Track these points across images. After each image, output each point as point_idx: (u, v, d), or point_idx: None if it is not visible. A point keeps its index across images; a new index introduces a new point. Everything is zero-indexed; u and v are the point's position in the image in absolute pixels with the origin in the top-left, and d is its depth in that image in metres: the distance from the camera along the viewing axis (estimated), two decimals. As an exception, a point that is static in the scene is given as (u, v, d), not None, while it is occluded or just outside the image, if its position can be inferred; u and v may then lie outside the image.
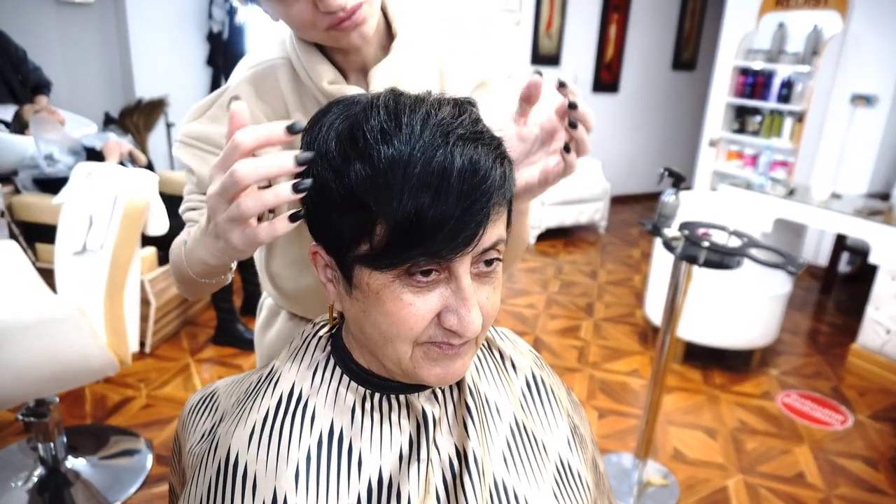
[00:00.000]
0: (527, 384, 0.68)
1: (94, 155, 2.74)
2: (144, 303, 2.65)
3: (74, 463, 2.01)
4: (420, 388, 0.59)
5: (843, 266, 4.22)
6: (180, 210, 0.84)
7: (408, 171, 0.45)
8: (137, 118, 3.80)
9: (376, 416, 0.57)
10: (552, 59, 5.38)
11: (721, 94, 4.74)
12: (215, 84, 4.22)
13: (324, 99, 0.77)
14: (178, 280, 0.78)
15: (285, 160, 0.48)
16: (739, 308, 2.80)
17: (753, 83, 4.59)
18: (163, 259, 2.82)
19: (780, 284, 2.85)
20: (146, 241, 2.67)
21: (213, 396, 0.66)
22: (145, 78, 4.06)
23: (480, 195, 0.47)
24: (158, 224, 1.87)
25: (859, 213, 3.07)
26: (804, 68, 4.23)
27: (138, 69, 4.04)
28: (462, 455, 0.57)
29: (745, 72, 4.64)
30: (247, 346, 2.84)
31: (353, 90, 0.77)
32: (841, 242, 3.93)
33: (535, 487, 0.60)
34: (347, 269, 0.51)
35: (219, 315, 2.88)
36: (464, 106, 0.51)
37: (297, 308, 0.95)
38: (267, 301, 1.03)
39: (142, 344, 2.74)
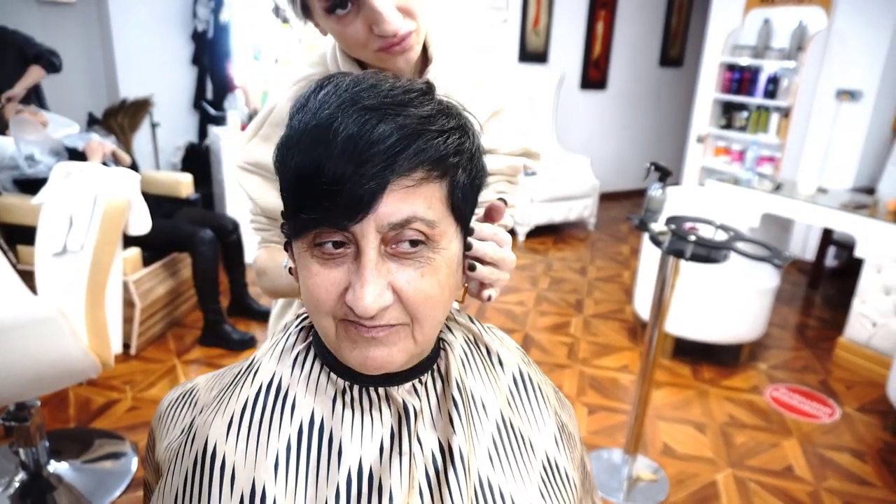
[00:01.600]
0: (514, 381, 0.67)
1: (77, 155, 2.70)
2: (129, 304, 2.62)
3: (57, 467, 1.98)
4: (398, 380, 0.57)
5: (831, 260, 4.25)
6: (252, 228, 0.94)
7: (303, 137, 0.47)
8: (122, 118, 3.76)
9: (356, 408, 0.56)
10: (540, 57, 5.38)
11: (708, 90, 4.76)
12: (200, 83, 4.19)
13: None
14: (271, 285, 0.88)
15: None
16: (728, 303, 2.81)
17: (740, 79, 4.61)
18: (148, 260, 2.79)
19: (767, 279, 2.86)
20: (131, 241, 2.64)
21: (192, 391, 0.65)
22: (129, 78, 4.02)
23: (369, 158, 0.44)
24: (140, 224, 1.84)
25: (845, 207, 3.09)
26: (790, 64, 4.25)
27: (122, 69, 4.00)
28: (447, 450, 0.56)
29: (731, 68, 4.66)
30: (235, 346, 2.81)
31: None
32: (828, 237, 3.95)
33: (521, 486, 0.59)
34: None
35: (206, 316, 2.86)
36: (392, 84, 0.49)
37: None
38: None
39: (127, 346, 2.71)
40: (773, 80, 4.40)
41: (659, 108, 6.39)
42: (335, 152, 0.45)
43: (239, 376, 0.59)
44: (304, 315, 0.63)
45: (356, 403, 0.56)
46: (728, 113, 4.79)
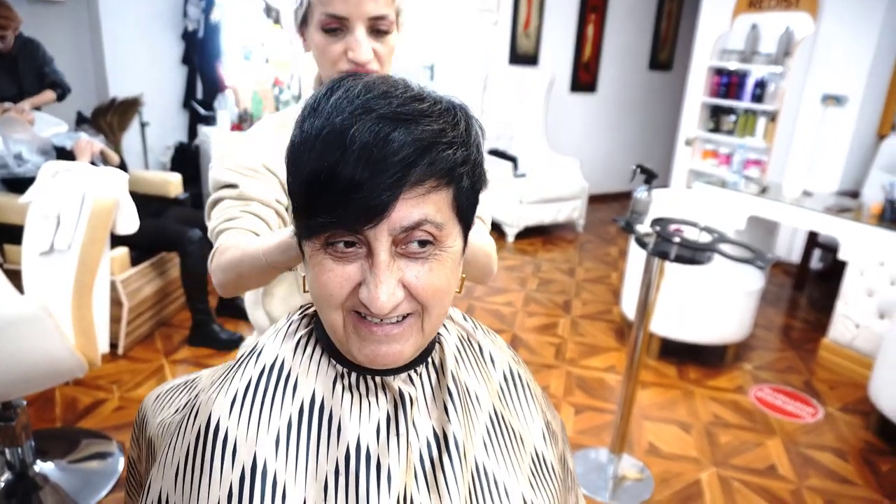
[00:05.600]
0: (504, 378, 0.69)
1: (65, 154, 2.69)
2: (117, 304, 2.61)
3: (43, 467, 1.97)
4: (395, 369, 0.59)
5: (816, 263, 4.30)
6: (213, 226, 0.92)
7: (316, 144, 0.48)
8: (111, 118, 3.74)
9: (355, 392, 0.58)
10: (530, 59, 5.41)
11: (696, 93, 4.81)
12: (191, 83, 4.18)
13: None
14: (235, 270, 0.85)
15: None
16: (714, 304, 2.84)
17: (728, 83, 4.66)
18: (136, 259, 2.78)
19: (753, 281, 2.89)
20: (119, 241, 2.64)
21: (195, 380, 0.67)
22: (119, 77, 4.00)
23: (386, 167, 0.46)
24: (128, 223, 1.84)
25: (829, 210, 3.13)
26: (777, 69, 4.30)
27: (112, 68, 3.98)
28: (442, 437, 0.58)
29: (719, 72, 4.70)
30: (223, 346, 2.81)
31: None
32: (813, 239, 4.00)
33: (513, 475, 0.62)
34: (298, 239, 0.56)
35: (194, 316, 2.85)
36: (424, 93, 0.51)
37: None
38: (248, 341, 1.16)
39: (114, 345, 2.70)
40: (761, 85, 4.45)
41: (648, 112, 6.43)
42: (351, 159, 0.46)
43: (242, 359, 0.61)
44: (308, 304, 0.66)
45: (354, 389, 0.58)
46: (716, 116, 4.83)
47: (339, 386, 0.58)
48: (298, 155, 0.50)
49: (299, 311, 0.65)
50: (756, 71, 4.47)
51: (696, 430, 2.46)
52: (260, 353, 0.60)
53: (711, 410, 2.60)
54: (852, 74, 3.90)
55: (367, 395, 0.58)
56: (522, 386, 0.70)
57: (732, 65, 4.57)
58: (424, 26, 4.91)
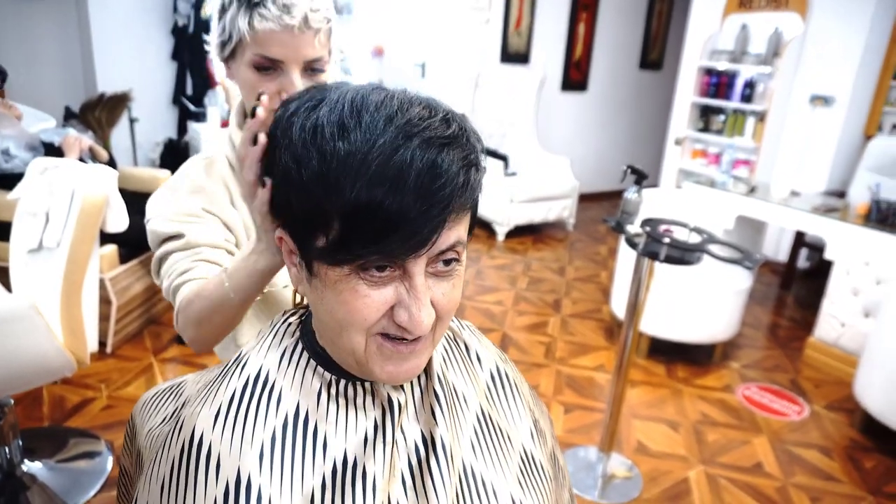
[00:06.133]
0: (491, 377, 0.69)
1: (53, 151, 2.67)
2: (105, 302, 2.59)
3: (31, 466, 1.96)
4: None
5: (802, 262, 4.34)
6: (167, 285, 0.89)
7: (361, 169, 0.46)
8: (100, 113, 3.71)
9: (341, 401, 0.58)
10: (522, 58, 5.41)
11: (686, 93, 4.83)
12: (181, 79, 4.15)
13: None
14: (202, 319, 0.83)
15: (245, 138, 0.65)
16: (702, 303, 2.86)
17: (717, 83, 4.69)
18: (125, 257, 2.76)
19: (741, 280, 2.92)
20: (108, 238, 2.62)
21: (180, 385, 0.66)
22: (108, 72, 3.97)
23: (439, 199, 0.46)
24: (118, 221, 1.83)
25: (816, 210, 3.16)
26: (766, 69, 4.33)
27: (100, 63, 3.94)
28: (429, 441, 0.58)
29: (709, 72, 4.73)
30: (212, 344, 2.80)
31: None
32: (800, 239, 4.04)
33: (501, 475, 0.62)
34: (308, 258, 0.53)
35: (183, 314, 2.84)
36: (436, 108, 0.51)
37: None
38: None
39: (103, 344, 2.69)
40: (750, 85, 4.49)
41: (638, 111, 6.46)
42: (407, 190, 0.45)
43: (227, 369, 0.61)
44: (291, 312, 0.65)
45: (341, 397, 0.58)
46: (705, 116, 4.87)
47: (324, 396, 0.57)
48: (332, 180, 0.47)
49: (282, 319, 0.64)
50: (745, 71, 4.50)
51: (684, 428, 2.48)
52: (244, 364, 0.59)
53: (699, 409, 2.63)
54: (840, 75, 3.94)
55: (355, 401, 0.58)
56: (510, 385, 0.71)
57: (722, 65, 4.60)
58: (416, 24, 4.91)
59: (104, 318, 2.59)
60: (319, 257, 0.50)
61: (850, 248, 2.92)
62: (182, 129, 4.22)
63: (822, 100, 4.02)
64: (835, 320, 2.99)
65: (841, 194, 3.91)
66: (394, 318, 0.51)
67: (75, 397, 2.39)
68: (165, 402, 0.65)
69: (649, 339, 3.01)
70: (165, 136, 4.22)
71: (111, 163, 2.86)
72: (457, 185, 0.48)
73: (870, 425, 2.49)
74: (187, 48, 4.07)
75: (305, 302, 0.66)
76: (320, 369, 0.58)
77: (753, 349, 3.24)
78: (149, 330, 2.95)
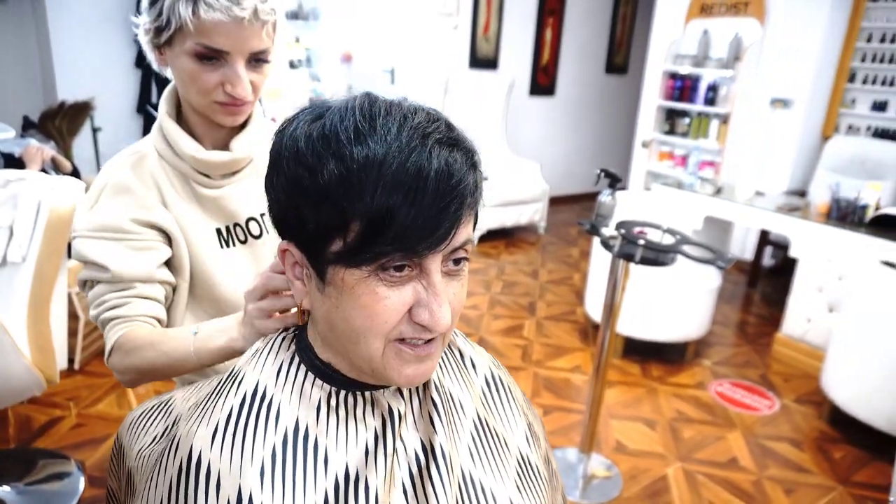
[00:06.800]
0: (486, 383, 0.70)
1: (14, 162, 2.58)
2: (73, 317, 2.51)
3: (-2, 490, 1.89)
4: (385, 385, 0.59)
5: (767, 260, 4.47)
6: (94, 314, 0.86)
7: (382, 170, 0.47)
8: (60, 122, 3.60)
9: (341, 412, 0.57)
10: (490, 63, 5.45)
11: (652, 97, 4.93)
12: (145, 87, 4.06)
13: (190, 169, 0.92)
14: (155, 370, 0.81)
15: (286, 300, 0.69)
16: (675, 303, 2.92)
17: (682, 87, 4.79)
18: (92, 270, 2.68)
19: (711, 279, 2.99)
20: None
21: (168, 402, 0.65)
22: (68, 80, 3.86)
23: (455, 197, 0.48)
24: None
25: (780, 209, 3.26)
26: (728, 73, 4.45)
27: (60, 70, 3.84)
28: (429, 449, 0.58)
29: (673, 76, 4.84)
30: (185, 357, 2.74)
31: (223, 155, 0.92)
32: (765, 237, 4.16)
33: (499, 481, 0.62)
34: (321, 266, 0.52)
35: (154, 327, 2.77)
36: (437, 114, 0.53)
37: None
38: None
39: (71, 360, 2.60)
40: (713, 88, 4.60)
41: (605, 114, 6.57)
42: (428, 190, 0.47)
43: (222, 385, 0.60)
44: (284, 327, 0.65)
45: (341, 408, 0.57)
46: (671, 119, 4.97)
47: (323, 409, 0.57)
48: (354, 182, 0.47)
49: (276, 335, 0.63)
50: (708, 75, 4.61)
51: (660, 426, 2.53)
52: (240, 380, 0.58)
53: (674, 406, 2.67)
54: (798, 78, 4.07)
55: (355, 411, 0.58)
56: (504, 390, 0.71)
57: (685, 69, 4.71)
58: (384, 30, 4.90)
59: (72, 333, 2.51)
60: (336, 261, 0.51)
61: (813, 245, 3.01)
62: (147, 138, 4.13)
63: (781, 102, 4.15)
64: (801, 316, 3.08)
65: (802, 193, 4.04)
66: (413, 318, 0.52)
67: (43, 417, 2.31)
68: (154, 420, 0.64)
69: (624, 340, 3.05)
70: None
71: (75, 173, 2.78)
72: (468, 183, 0.50)
73: (837, 417, 2.57)
74: (151, 55, 3.99)
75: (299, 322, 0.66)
76: (319, 381, 0.58)
77: (724, 346, 3.31)
78: (118, 344, 2.87)
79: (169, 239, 0.90)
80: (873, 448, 2.41)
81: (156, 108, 3.40)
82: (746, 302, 4.04)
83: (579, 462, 2.19)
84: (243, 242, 0.97)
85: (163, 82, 4.04)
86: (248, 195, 0.96)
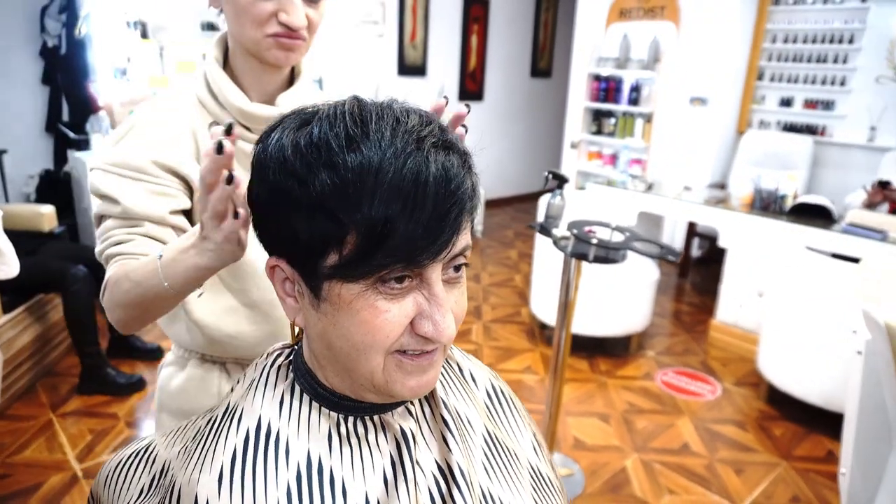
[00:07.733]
0: (488, 396, 0.69)
1: None
2: (-11, 357, 2.30)
3: (-84, 557, 1.69)
4: (392, 405, 0.57)
5: (696, 251, 4.69)
6: (99, 249, 0.80)
7: (379, 178, 0.44)
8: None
9: (353, 440, 0.54)
10: (418, 70, 5.46)
11: (578, 98, 5.07)
12: (55, 104, 3.79)
13: (232, 119, 0.84)
14: (132, 303, 0.75)
15: (210, 150, 0.56)
16: (618, 298, 3.00)
17: (606, 88, 4.96)
18: (8, 305, 2.47)
19: (650, 272, 3.09)
20: (-14, 285, 2.33)
21: (148, 449, 0.59)
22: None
23: (455, 203, 0.46)
24: (7, 267, 1.63)
25: (708, 202, 3.42)
26: (649, 74, 4.64)
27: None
28: (447, 470, 0.56)
29: (598, 78, 4.99)
30: (121, 391, 2.57)
31: (270, 109, 0.85)
32: (692, 229, 4.36)
33: (517, 495, 0.61)
34: (315, 282, 0.49)
35: (83, 360, 2.58)
36: (429, 116, 0.51)
37: (225, 351, 0.93)
38: (168, 358, 1.01)
39: (-11, 404, 2.38)
40: (636, 89, 4.78)
41: (533, 117, 6.71)
42: (428, 196, 0.45)
43: (218, 425, 0.55)
44: (274, 352, 0.60)
45: (352, 436, 0.54)
46: (597, 119, 5.13)
47: (335, 439, 0.54)
48: (349, 192, 0.44)
49: (267, 359, 0.59)
50: (630, 76, 4.79)
51: (614, 419, 2.58)
52: (240, 416, 0.54)
53: (625, 399, 2.75)
54: (712, 78, 4.30)
55: (367, 437, 0.55)
56: (506, 401, 0.70)
57: (608, 71, 4.87)
58: (313, 58, 4.80)
59: (-11, 375, 2.30)
60: (332, 276, 0.47)
61: (740, 234, 3.18)
62: (61, 159, 3.85)
63: (699, 101, 4.37)
64: (733, 302, 3.24)
65: (722, 186, 4.26)
66: (416, 330, 0.50)
67: (-39, 469, 2.10)
68: (136, 471, 0.58)
69: (570, 337, 3.10)
70: (41, 168, 3.84)
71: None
72: (467, 187, 0.48)
73: (774, 396, 2.72)
74: (61, 70, 3.73)
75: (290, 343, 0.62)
76: (325, 409, 0.55)
77: (664, 336, 3.44)
78: (43, 383, 2.66)
79: (191, 191, 0.85)
80: (809, 422, 2.57)
81: (68, 126, 3.17)
82: (679, 292, 4.21)
83: (542, 463, 2.20)
84: None
85: (75, 100, 3.79)
86: None
